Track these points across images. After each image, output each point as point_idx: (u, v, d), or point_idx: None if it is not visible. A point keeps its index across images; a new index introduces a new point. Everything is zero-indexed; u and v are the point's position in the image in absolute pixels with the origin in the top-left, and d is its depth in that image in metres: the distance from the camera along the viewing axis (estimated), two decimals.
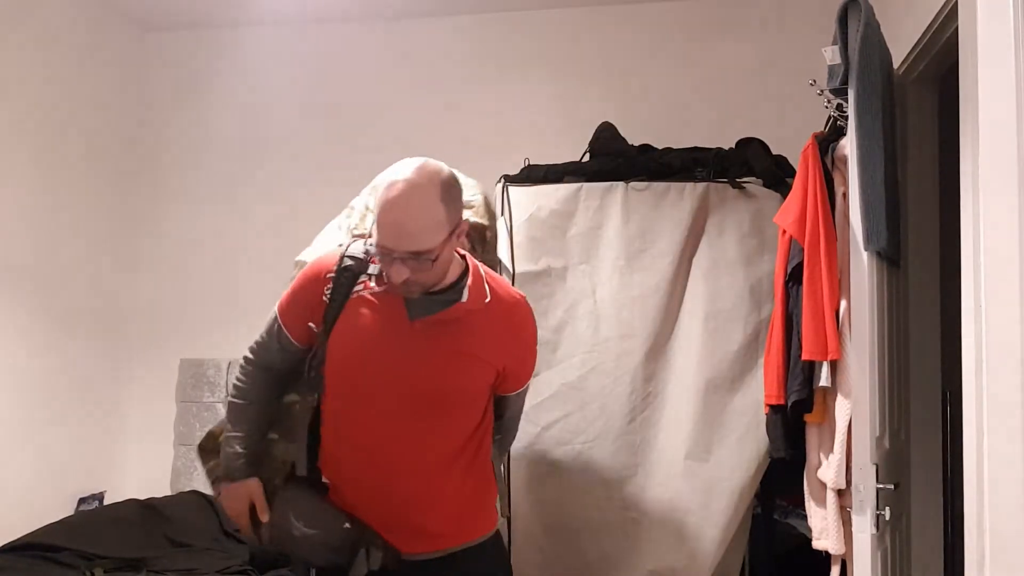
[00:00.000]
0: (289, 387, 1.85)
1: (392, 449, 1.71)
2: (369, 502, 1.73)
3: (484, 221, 2.23)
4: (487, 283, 1.75)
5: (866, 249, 2.01)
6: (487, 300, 1.73)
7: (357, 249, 1.74)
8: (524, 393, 2.01)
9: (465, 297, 1.69)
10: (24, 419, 3.19)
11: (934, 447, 2.54)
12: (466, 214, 1.86)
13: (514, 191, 2.88)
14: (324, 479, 1.79)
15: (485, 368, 1.76)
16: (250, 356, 1.83)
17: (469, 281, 1.71)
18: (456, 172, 1.66)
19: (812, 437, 2.32)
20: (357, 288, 1.70)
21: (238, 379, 1.83)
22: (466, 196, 1.82)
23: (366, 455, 1.73)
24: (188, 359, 3.70)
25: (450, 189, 1.59)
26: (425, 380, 1.69)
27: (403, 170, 1.58)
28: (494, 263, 2.40)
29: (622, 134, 3.03)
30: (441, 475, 1.74)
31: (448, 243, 1.59)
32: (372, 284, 1.71)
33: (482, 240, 2.21)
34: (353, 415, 1.73)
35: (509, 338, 1.77)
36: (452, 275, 1.70)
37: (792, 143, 2.59)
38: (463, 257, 1.75)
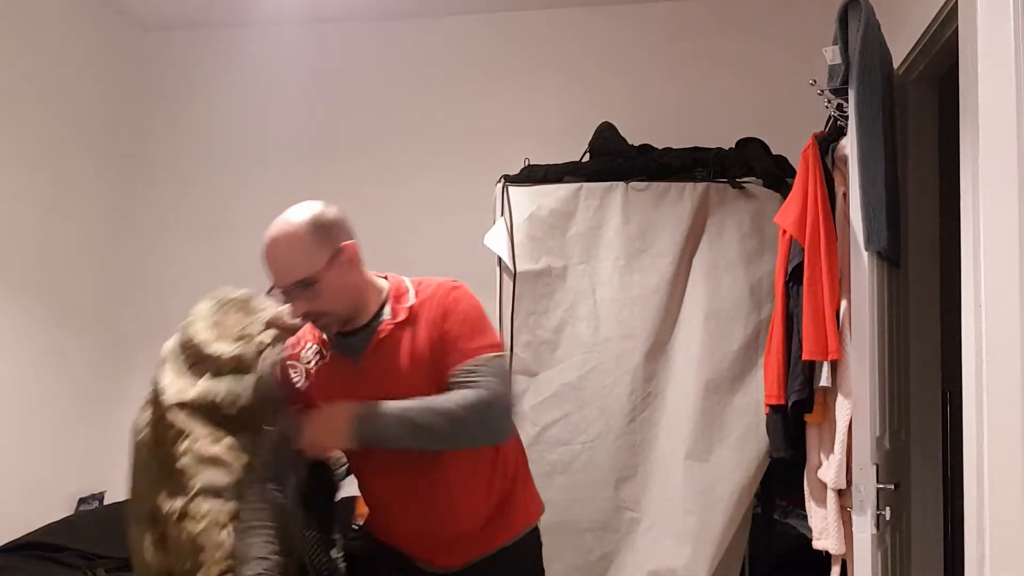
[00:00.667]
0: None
1: (407, 476, 1.71)
2: (402, 527, 1.78)
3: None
4: (411, 288, 1.75)
5: (866, 249, 2.01)
6: (413, 303, 1.72)
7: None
8: (486, 371, 1.61)
9: (387, 315, 1.70)
10: (24, 419, 3.19)
11: (934, 447, 2.54)
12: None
13: (514, 191, 2.89)
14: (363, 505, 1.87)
15: (439, 360, 1.68)
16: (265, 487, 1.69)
17: (390, 300, 1.72)
18: (337, 210, 1.72)
19: (812, 437, 2.32)
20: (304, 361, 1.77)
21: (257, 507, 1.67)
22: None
23: (388, 488, 1.76)
24: None
25: (318, 218, 1.65)
26: (398, 397, 1.64)
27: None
28: None
29: (622, 134, 3.03)
30: (464, 488, 1.73)
31: (332, 268, 1.63)
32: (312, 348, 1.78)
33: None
34: (360, 460, 1.78)
35: (441, 316, 1.69)
36: (374, 305, 1.72)
37: (792, 143, 2.59)
38: (385, 278, 1.78)
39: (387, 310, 1.71)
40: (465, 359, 1.62)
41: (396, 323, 1.69)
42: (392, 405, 1.57)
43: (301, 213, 1.66)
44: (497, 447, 1.74)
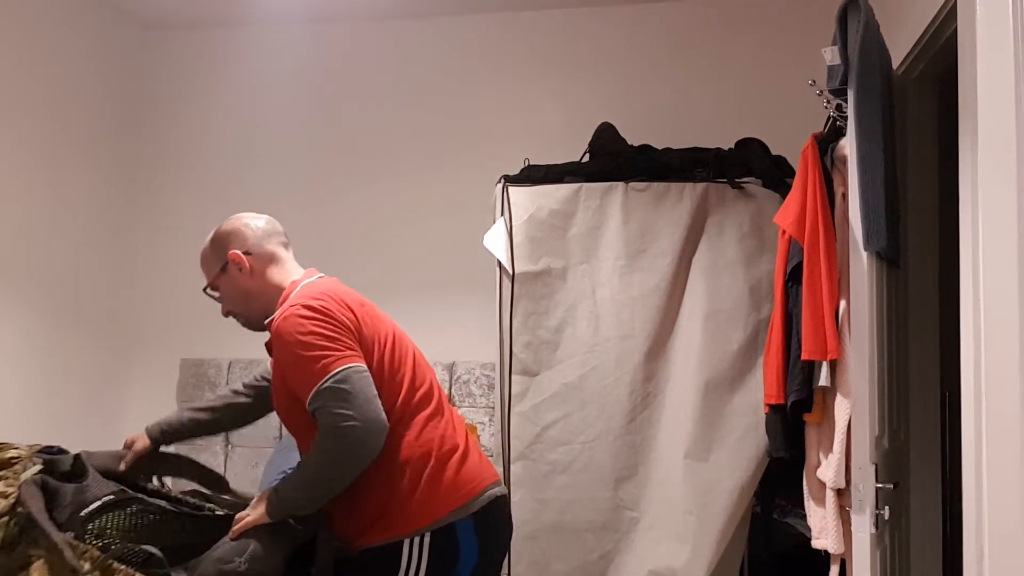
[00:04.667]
0: None
1: (300, 452, 1.89)
2: None
3: None
4: (291, 297, 1.83)
5: (866, 249, 2.01)
6: (274, 316, 1.82)
7: None
8: (318, 410, 1.69)
9: (274, 318, 1.82)
10: (24, 419, 3.18)
11: (933, 447, 2.54)
12: None
13: (514, 191, 2.89)
14: None
15: (279, 377, 1.83)
16: None
17: (278, 304, 1.86)
18: (246, 221, 1.97)
19: (811, 437, 2.32)
20: None
21: None
22: None
23: None
24: (188, 359, 3.71)
25: (216, 232, 1.96)
26: (273, 395, 1.91)
27: None
28: None
29: (622, 134, 3.03)
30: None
31: (223, 276, 1.91)
32: None
33: None
34: None
35: (275, 342, 1.81)
36: (276, 305, 1.86)
37: (792, 143, 2.60)
38: (292, 283, 1.89)
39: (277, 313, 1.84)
40: (305, 399, 1.71)
41: (269, 327, 1.84)
42: (283, 492, 1.73)
43: (215, 228, 1.96)
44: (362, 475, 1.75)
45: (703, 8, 3.50)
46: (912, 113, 2.55)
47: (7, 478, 1.77)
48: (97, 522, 1.73)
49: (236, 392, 2.11)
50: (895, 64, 2.42)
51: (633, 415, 2.74)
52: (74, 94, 3.48)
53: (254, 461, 3.48)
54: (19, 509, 1.70)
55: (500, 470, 2.72)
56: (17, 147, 3.18)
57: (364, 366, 1.73)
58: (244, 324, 1.96)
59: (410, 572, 1.74)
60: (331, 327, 1.73)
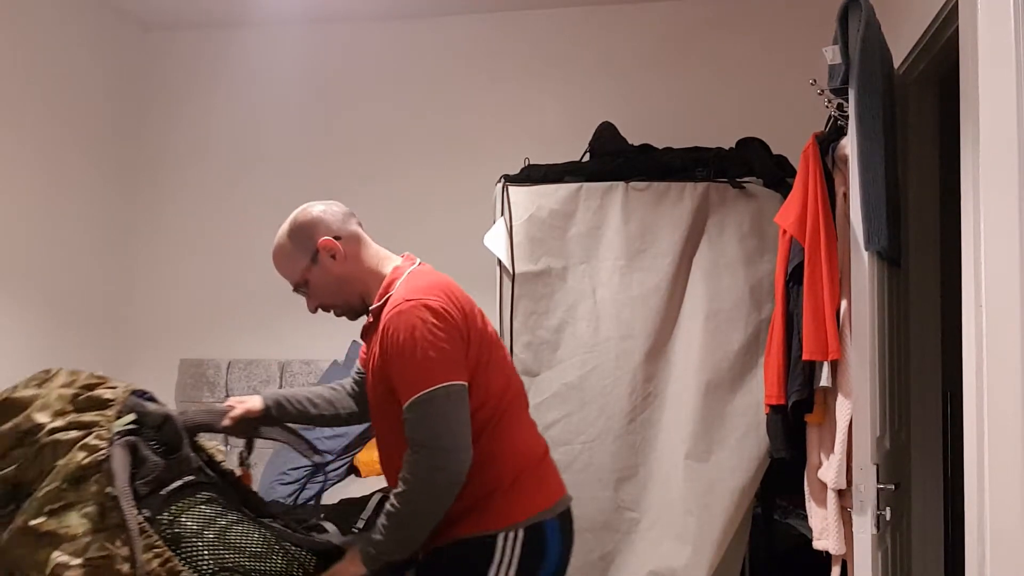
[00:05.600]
0: None
1: (380, 447, 1.89)
2: None
3: None
4: (397, 285, 1.78)
5: (867, 249, 2.01)
6: (377, 306, 1.79)
7: None
8: (412, 420, 1.65)
9: (373, 304, 1.81)
10: None
11: (934, 447, 2.54)
12: None
13: (514, 191, 2.88)
14: None
15: (387, 373, 1.75)
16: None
17: (381, 289, 1.81)
18: (322, 207, 1.84)
19: (812, 437, 2.31)
20: None
21: None
22: None
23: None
24: (188, 359, 3.70)
25: (294, 224, 1.83)
26: (369, 380, 1.84)
27: None
28: None
29: (622, 134, 3.03)
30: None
31: (313, 268, 1.80)
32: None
33: None
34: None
35: (384, 333, 1.73)
36: (375, 289, 1.82)
37: (792, 143, 2.59)
38: (396, 269, 1.83)
39: (376, 299, 1.81)
40: (403, 400, 1.66)
41: (373, 313, 1.80)
42: (375, 537, 1.66)
43: (286, 222, 1.84)
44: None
45: (703, 8, 3.50)
46: (913, 113, 2.55)
47: (100, 426, 1.69)
48: (175, 506, 1.69)
49: (354, 384, 2.05)
50: (896, 64, 2.42)
51: (633, 415, 2.74)
52: (75, 94, 3.48)
53: (252, 461, 3.47)
54: (106, 466, 1.64)
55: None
56: (17, 147, 3.17)
57: (465, 384, 1.68)
58: (339, 314, 1.88)
59: (503, 565, 1.71)
60: (446, 333, 1.67)
